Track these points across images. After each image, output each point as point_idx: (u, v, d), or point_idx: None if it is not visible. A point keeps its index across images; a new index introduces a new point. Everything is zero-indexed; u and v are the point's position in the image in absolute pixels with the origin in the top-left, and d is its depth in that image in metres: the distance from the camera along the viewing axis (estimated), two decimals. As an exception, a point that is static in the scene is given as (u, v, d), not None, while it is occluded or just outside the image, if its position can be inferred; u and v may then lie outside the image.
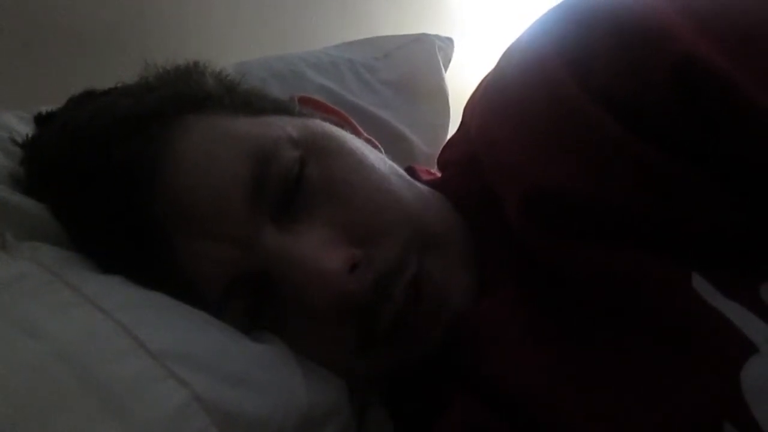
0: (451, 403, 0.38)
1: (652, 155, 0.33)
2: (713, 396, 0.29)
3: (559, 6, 0.40)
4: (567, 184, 0.34)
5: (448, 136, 0.77)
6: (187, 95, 0.41)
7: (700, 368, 0.30)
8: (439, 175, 0.54)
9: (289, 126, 0.41)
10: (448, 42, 0.85)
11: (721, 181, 0.32)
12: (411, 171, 0.51)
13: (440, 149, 0.74)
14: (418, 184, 0.45)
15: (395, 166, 0.45)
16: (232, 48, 0.91)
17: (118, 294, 0.34)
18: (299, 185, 0.39)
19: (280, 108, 0.45)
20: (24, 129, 0.48)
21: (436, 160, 0.72)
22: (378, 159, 0.43)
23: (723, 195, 0.32)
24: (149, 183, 0.37)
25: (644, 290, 0.33)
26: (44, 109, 0.48)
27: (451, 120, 0.79)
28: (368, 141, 0.49)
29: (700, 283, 0.31)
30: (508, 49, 0.43)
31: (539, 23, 0.41)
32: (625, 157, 0.33)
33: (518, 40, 0.43)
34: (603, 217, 0.34)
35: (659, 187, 0.33)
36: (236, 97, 0.43)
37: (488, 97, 0.43)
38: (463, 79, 0.93)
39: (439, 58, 0.80)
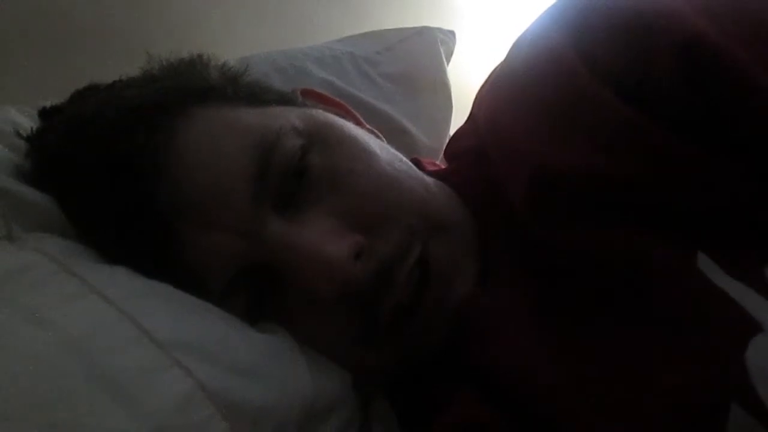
0: (451, 399, 0.38)
1: (662, 135, 0.33)
2: (719, 376, 0.29)
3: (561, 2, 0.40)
4: (576, 164, 0.35)
5: (450, 130, 0.77)
6: (190, 87, 0.42)
7: (706, 348, 0.30)
8: (444, 167, 0.54)
9: (292, 116, 0.41)
10: (450, 35, 0.85)
11: (728, 161, 0.32)
12: (416, 163, 0.51)
13: (442, 142, 0.75)
14: (423, 174, 0.45)
15: (398, 154, 0.45)
16: (234, 43, 0.91)
17: (124, 284, 0.34)
18: (303, 174, 0.39)
19: (283, 99, 0.45)
20: (28, 123, 0.48)
21: (438, 153, 0.73)
22: (381, 147, 0.44)
23: (730, 174, 0.32)
24: (153, 174, 0.37)
25: (649, 270, 0.33)
26: (48, 103, 0.48)
27: (453, 113, 0.79)
28: (370, 132, 0.49)
29: (705, 263, 0.32)
30: (517, 40, 0.44)
31: (547, 14, 0.41)
32: (635, 137, 0.33)
33: (526, 32, 0.43)
34: (610, 196, 0.34)
35: (669, 167, 0.33)
36: (239, 89, 0.44)
37: (498, 87, 0.43)
38: (465, 72, 0.93)
39: (441, 51, 0.81)
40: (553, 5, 0.41)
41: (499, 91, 0.43)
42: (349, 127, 0.44)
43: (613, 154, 0.34)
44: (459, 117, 0.68)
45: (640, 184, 0.33)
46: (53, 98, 0.49)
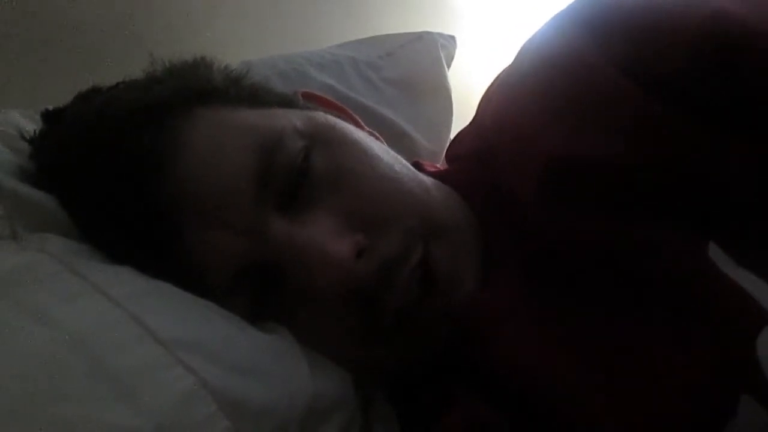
0: (452, 399, 0.38)
1: (681, 122, 0.33)
2: (728, 367, 0.29)
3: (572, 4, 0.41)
4: (589, 151, 0.35)
5: (451, 134, 0.77)
6: (194, 88, 0.42)
7: (715, 339, 0.30)
8: (444, 169, 0.54)
9: (294, 117, 0.41)
10: (451, 40, 0.85)
11: (747, 148, 0.32)
12: (417, 165, 0.51)
13: (443, 146, 0.75)
14: (423, 176, 0.45)
15: (399, 156, 0.46)
16: (236, 48, 0.92)
17: (127, 283, 0.35)
18: (305, 175, 0.39)
19: (285, 101, 0.46)
20: (31, 126, 0.48)
21: (438, 157, 0.73)
22: (381, 149, 0.44)
23: (748, 162, 0.32)
24: (157, 174, 0.37)
25: (660, 259, 0.33)
26: (51, 106, 0.48)
27: (454, 117, 0.79)
28: (371, 134, 0.49)
29: (716, 254, 0.32)
30: (525, 45, 0.44)
31: (556, 17, 0.42)
32: (654, 123, 0.34)
33: (534, 36, 0.44)
34: (624, 185, 0.34)
35: (687, 153, 0.33)
36: (242, 90, 0.44)
37: (507, 86, 0.44)
38: (466, 76, 0.94)
39: (442, 56, 0.81)
40: (562, 11, 0.41)
41: (508, 89, 0.43)
42: (350, 129, 0.44)
43: (630, 142, 0.34)
44: (459, 121, 0.69)
45: (657, 172, 0.34)
46: (57, 102, 0.49)
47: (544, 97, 0.39)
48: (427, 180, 0.45)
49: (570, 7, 0.41)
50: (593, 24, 0.38)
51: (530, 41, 0.44)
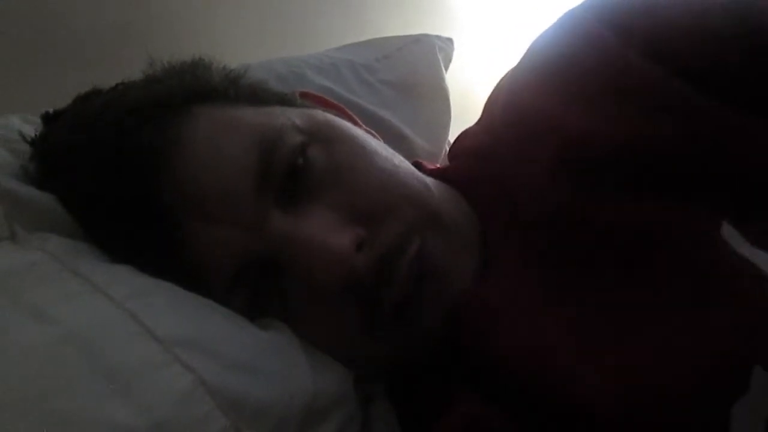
0: (452, 399, 0.39)
1: (700, 101, 0.33)
2: (742, 340, 0.30)
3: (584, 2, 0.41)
4: (607, 131, 0.35)
5: (450, 136, 0.78)
6: (193, 87, 0.42)
7: (729, 315, 0.30)
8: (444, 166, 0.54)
9: (292, 115, 0.42)
10: (448, 42, 0.86)
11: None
12: (416, 165, 0.51)
13: (441, 147, 0.75)
14: (422, 174, 0.45)
15: (397, 153, 0.46)
16: (234, 51, 0.92)
17: (127, 282, 0.35)
18: (304, 170, 0.39)
19: (283, 100, 0.46)
20: (31, 131, 0.48)
21: (437, 159, 0.74)
22: (379, 146, 0.44)
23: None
24: (158, 172, 0.37)
25: (674, 239, 0.33)
26: (51, 109, 0.49)
27: (451, 119, 0.80)
28: (368, 132, 0.50)
29: (729, 233, 0.32)
30: (533, 43, 0.45)
31: (566, 14, 0.42)
32: (670, 102, 0.34)
33: (544, 33, 0.44)
34: (640, 165, 0.35)
35: (708, 133, 0.33)
36: (240, 90, 0.44)
37: (517, 80, 0.44)
38: (463, 78, 0.94)
39: (440, 58, 0.81)
40: (572, 9, 0.42)
41: (519, 84, 0.44)
42: (348, 126, 0.45)
43: (650, 120, 0.34)
44: (457, 123, 0.69)
45: (674, 151, 0.34)
46: (56, 105, 0.49)
47: (558, 84, 0.39)
48: (426, 178, 0.45)
49: (582, 5, 0.41)
50: (612, 14, 0.38)
51: (540, 38, 0.44)
